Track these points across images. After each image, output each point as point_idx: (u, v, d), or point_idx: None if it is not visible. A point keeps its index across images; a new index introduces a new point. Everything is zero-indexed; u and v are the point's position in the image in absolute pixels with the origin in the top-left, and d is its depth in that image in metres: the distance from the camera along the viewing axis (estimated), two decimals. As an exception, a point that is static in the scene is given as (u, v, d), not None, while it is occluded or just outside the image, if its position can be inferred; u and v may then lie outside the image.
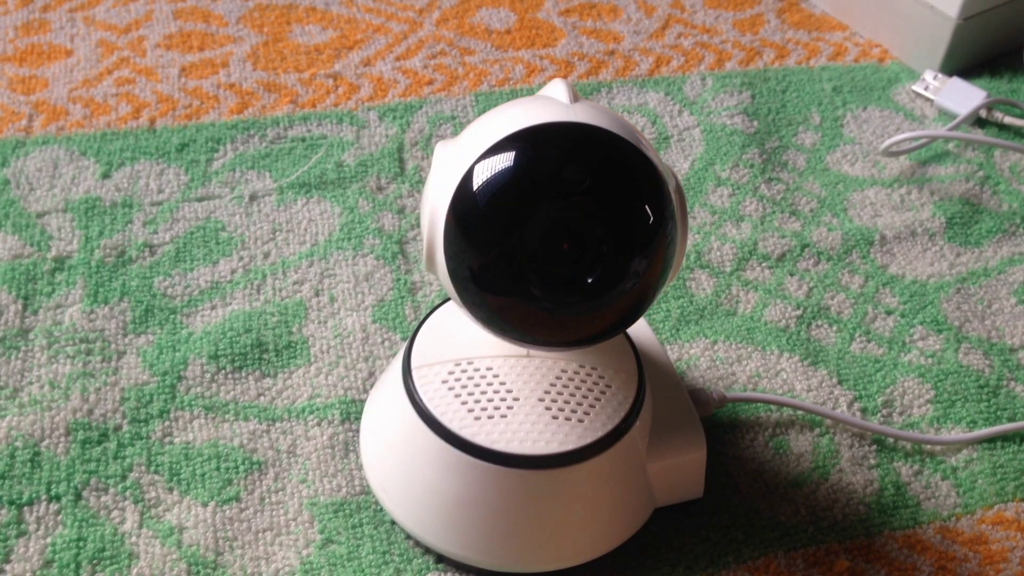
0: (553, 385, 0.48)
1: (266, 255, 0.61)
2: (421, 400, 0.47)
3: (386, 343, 0.57)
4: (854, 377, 0.58)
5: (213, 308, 0.58)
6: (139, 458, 0.52)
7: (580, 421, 0.47)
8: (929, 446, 0.55)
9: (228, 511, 0.50)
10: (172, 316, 0.58)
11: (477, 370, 0.48)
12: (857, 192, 0.68)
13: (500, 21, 0.79)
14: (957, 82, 0.74)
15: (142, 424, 0.53)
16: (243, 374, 0.55)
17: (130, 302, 0.58)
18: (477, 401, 0.47)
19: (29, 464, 0.51)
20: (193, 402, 0.54)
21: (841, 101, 0.75)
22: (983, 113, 0.74)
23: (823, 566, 0.50)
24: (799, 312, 0.61)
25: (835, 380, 0.58)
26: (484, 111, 0.46)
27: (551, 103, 0.43)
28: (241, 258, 0.61)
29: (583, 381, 0.48)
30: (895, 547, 0.51)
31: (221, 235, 0.62)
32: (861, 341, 0.60)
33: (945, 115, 0.74)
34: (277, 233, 0.62)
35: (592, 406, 0.47)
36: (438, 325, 0.50)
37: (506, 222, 0.41)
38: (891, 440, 0.55)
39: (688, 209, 0.65)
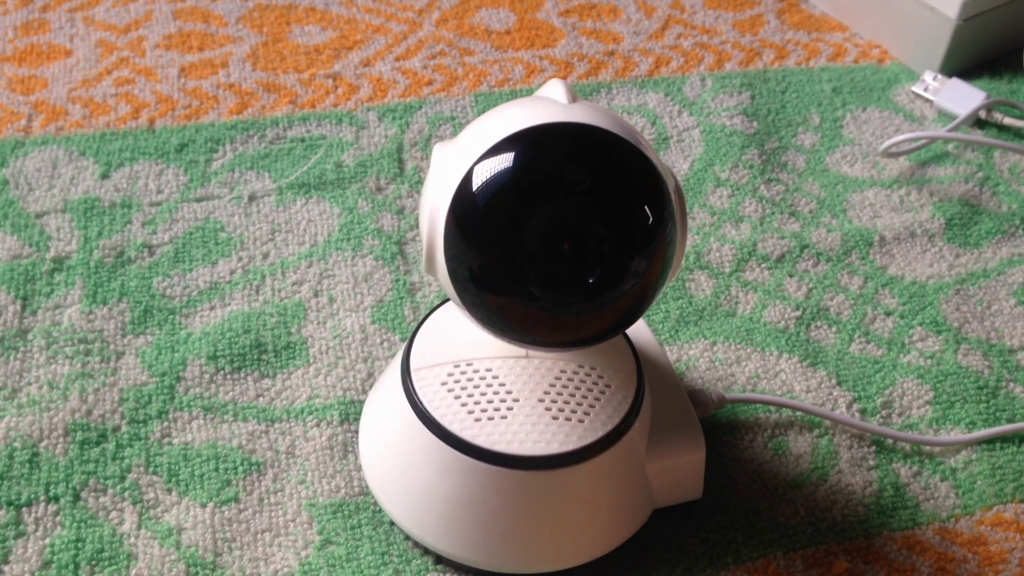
0: (552, 386, 0.48)
1: (265, 256, 0.61)
2: (421, 402, 0.47)
3: (385, 344, 0.57)
4: (853, 378, 0.58)
5: (212, 309, 0.58)
6: (138, 459, 0.52)
7: (580, 421, 0.47)
8: (928, 447, 0.55)
9: (227, 512, 0.50)
10: (171, 317, 0.58)
11: (476, 371, 0.48)
12: (856, 193, 0.68)
13: (500, 22, 0.79)
14: (957, 83, 0.74)
15: (141, 425, 0.53)
16: (242, 375, 0.55)
17: (129, 303, 0.58)
18: (477, 403, 0.47)
19: (28, 465, 0.51)
20: (192, 403, 0.54)
21: (841, 102, 0.75)
22: (983, 114, 0.74)
23: (822, 567, 0.50)
24: (798, 313, 0.61)
25: (834, 381, 0.58)
26: (484, 111, 0.46)
27: (550, 104, 0.43)
28: (240, 259, 0.61)
29: (582, 381, 0.48)
30: (894, 548, 0.51)
31: (220, 236, 0.62)
32: (860, 342, 0.60)
33: (945, 116, 0.74)
34: (276, 234, 0.62)
35: (592, 406, 0.47)
36: (436, 326, 0.50)
37: (507, 223, 0.41)
38: (890, 441, 0.55)
39: (687, 210, 0.65)
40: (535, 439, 0.46)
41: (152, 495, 0.50)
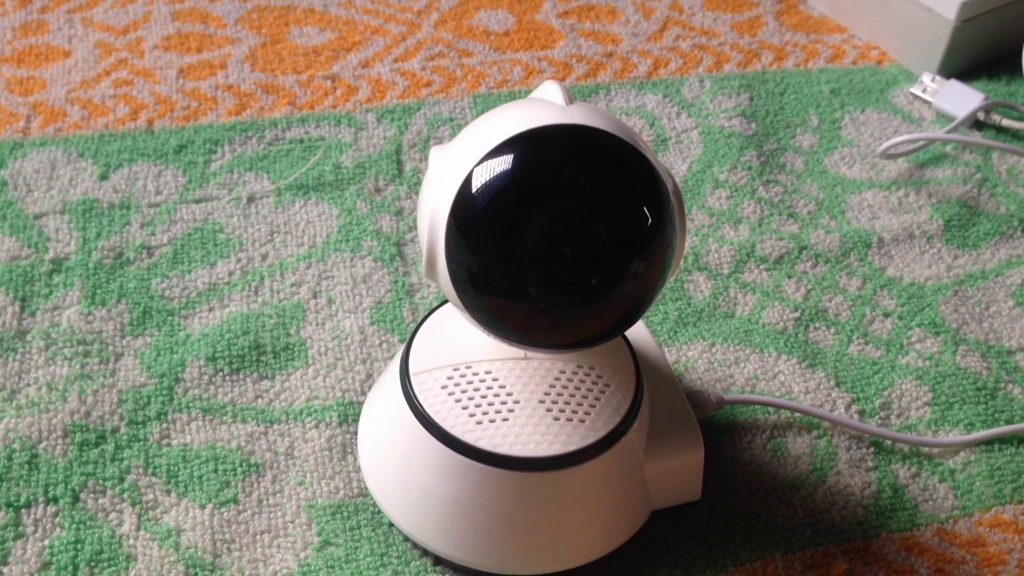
0: (552, 387, 0.48)
1: (264, 257, 0.61)
2: (421, 406, 0.47)
3: (384, 345, 0.57)
4: (852, 379, 0.58)
5: (211, 310, 0.58)
6: (137, 460, 0.52)
7: (582, 421, 0.47)
8: (927, 448, 0.55)
9: (226, 513, 0.50)
10: (170, 318, 0.58)
11: (476, 374, 0.48)
12: (855, 194, 0.68)
13: (498, 23, 0.79)
14: (955, 84, 0.74)
15: (140, 426, 0.53)
16: (241, 376, 0.55)
17: (128, 304, 0.58)
18: (478, 405, 0.47)
19: (27, 466, 0.51)
20: (191, 404, 0.54)
21: (839, 103, 0.75)
22: (981, 115, 0.74)
23: (821, 568, 0.50)
24: (797, 314, 0.61)
25: (833, 382, 0.58)
26: (482, 113, 0.46)
27: (548, 105, 0.43)
28: (239, 260, 0.61)
29: (582, 381, 0.48)
30: (893, 549, 0.51)
31: (219, 237, 0.62)
32: (859, 343, 0.60)
33: (943, 117, 0.74)
34: (275, 235, 0.62)
35: (593, 406, 0.47)
36: (434, 329, 0.50)
37: (508, 225, 0.41)
38: (889, 442, 0.55)
39: (686, 211, 0.65)
40: (537, 440, 0.46)
41: (151, 496, 0.50)
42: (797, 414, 0.56)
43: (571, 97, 0.44)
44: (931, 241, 0.66)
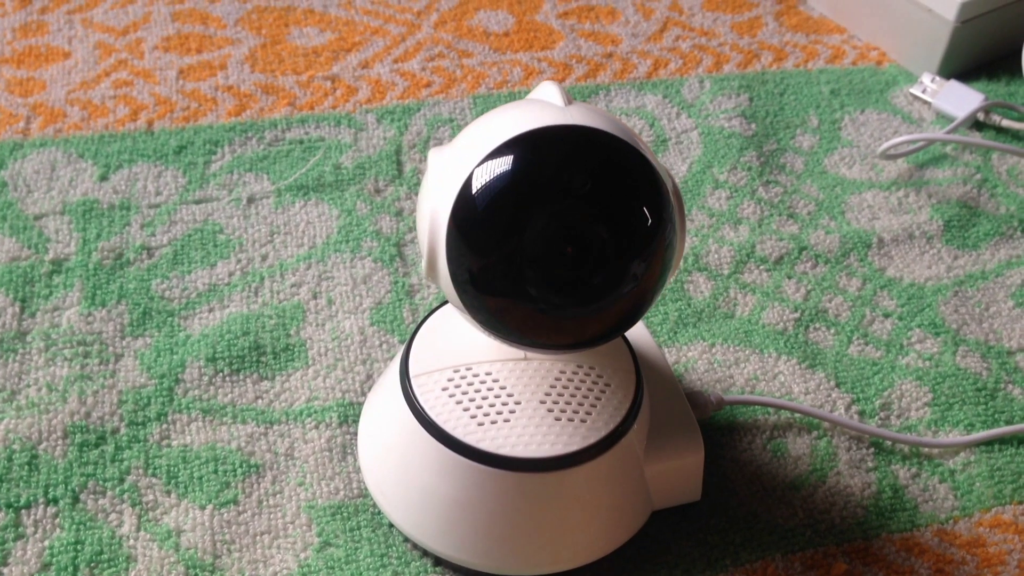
0: (553, 387, 0.48)
1: (264, 257, 0.61)
2: (422, 408, 0.47)
3: (384, 346, 0.57)
4: (852, 380, 0.58)
5: (211, 311, 0.58)
6: (137, 461, 0.52)
7: (583, 421, 0.47)
8: (927, 449, 0.55)
9: (226, 514, 0.50)
10: (170, 319, 0.58)
11: (476, 375, 0.48)
12: (855, 195, 0.68)
13: (498, 23, 0.79)
14: (955, 85, 0.74)
15: (140, 427, 0.53)
16: (241, 377, 0.55)
17: (128, 305, 0.58)
18: (479, 407, 0.47)
19: (27, 467, 0.51)
20: (191, 405, 0.54)
21: (839, 104, 0.75)
22: (981, 116, 0.74)
23: (821, 569, 0.50)
24: (797, 315, 0.61)
25: (833, 383, 0.58)
26: (482, 113, 0.46)
27: (547, 106, 0.43)
28: (239, 260, 0.61)
29: (582, 381, 0.48)
30: (893, 550, 0.51)
31: (219, 237, 0.62)
32: (859, 344, 0.60)
33: (943, 118, 0.74)
34: (275, 235, 0.62)
35: (593, 406, 0.47)
36: (433, 331, 0.50)
37: (509, 226, 0.41)
38: (889, 443, 0.55)
39: (686, 211, 0.65)
40: (539, 441, 0.46)
41: (151, 497, 0.50)
42: (797, 415, 0.56)
43: (570, 98, 0.44)
44: (931, 242, 0.66)
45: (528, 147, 0.42)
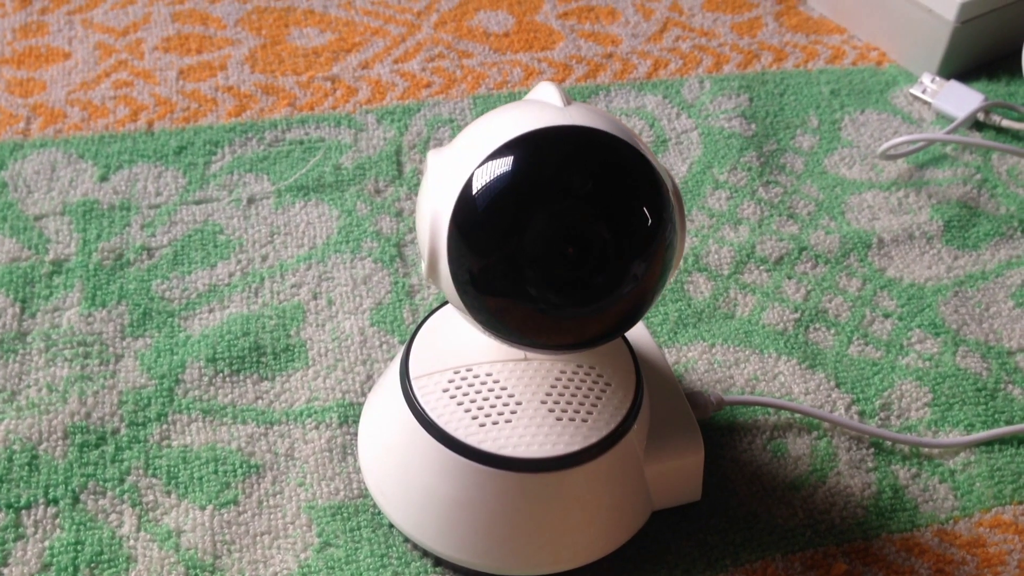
0: (554, 387, 0.48)
1: (264, 258, 0.61)
2: (424, 410, 0.47)
3: (384, 346, 0.57)
4: (852, 380, 0.58)
5: (211, 311, 0.58)
6: (137, 461, 0.52)
7: (584, 421, 0.47)
8: (927, 449, 0.55)
9: (226, 514, 0.50)
10: (170, 319, 0.58)
11: (477, 376, 0.48)
12: (855, 195, 0.68)
13: (498, 24, 0.79)
14: (955, 85, 0.74)
15: (140, 427, 0.53)
16: (241, 377, 0.55)
17: (128, 305, 0.58)
18: (480, 408, 0.47)
19: (27, 467, 0.51)
20: (191, 405, 0.54)
21: (839, 104, 0.75)
22: (981, 116, 0.74)
23: (821, 569, 0.50)
24: (797, 315, 0.61)
25: (833, 383, 0.58)
26: (482, 114, 0.46)
27: (546, 107, 0.43)
28: (239, 261, 0.61)
29: (583, 381, 0.48)
30: (893, 550, 0.51)
31: (219, 238, 0.62)
32: (859, 344, 0.60)
33: (943, 118, 0.74)
34: (275, 236, 0.62)
35: (594, 405, 0.47)
36: (433, 331, 0.50)
37: (510, 227, 0.41)
38: (889, 443, 0.55)
39: (686, 212, 0.65)
40: (541, 441, 0.46)
41: (151, 497, 0.50)
42: (797, 415, 0.56)
43: (569, 98, 0.44)
44: (931, 242, 0.66)
45: (529, 148, 0.42)
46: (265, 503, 0.51)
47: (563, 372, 0.48)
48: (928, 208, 0.68)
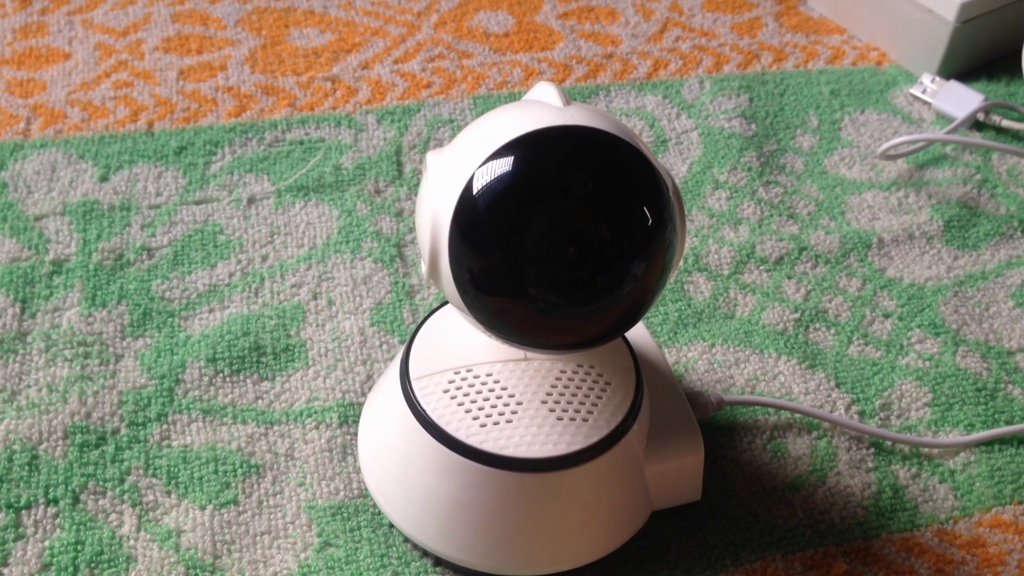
0: (554, 387, 0.48)
1: (264, 258, 0.61)
2: (425, 411, 0.47)
3: (384, 346, 0.57)
4: (852, 380, 0.58)
5: (211, 311, 0.58)
6: (137, 461, 0.52)
7: (585, 420, 0.47)
8: (927, 449, 0.55)
9: (226, 514, 0.50)
10: (170, 319, 0.58)
11: (477, 377, 0.48)
12: (855, 195, 0.69)
13: (498, 24, 0.79)
14: (955, 85, 0.74)
15: (140, 427, 0.53)
16: (241, 377, 0.55)
17: (128, 305, 0.58)
18: (481, 408, 0.47)
19: (27, 467, 0.51)
20: (191, 405, 0.54)
21: (839, 104, 0.75)
22: (981, 116, 0.74)
23: (821, 569, 0.50)
24: (797, 315, 0.61)
25: (833, 383, 0.58)
26: (482, 114, 0.46)
27: (546, 107, 0.43)
28: (239, 261, 0.61)
29: (583, 380, 0.48)
30: (893, 550, 0.51)
31: (219, 238, 0.62)
32: (859, 344, 0.60)
33: (943, 118, 0.74)
34: (275, 236, 0.62)
35: (595, 404, 0.47)
36: (433, 332, 0.50)
37: (512, 227, 0.41)
38: (889, 443, 0.55)
39: (686, 212, 0.65)
40: (542, 441, 0.46)
41: (151, 497, 0.50)
42: (797, 415, 0.56)
43: (568, 98, 0.44)
44: (931, 242, 0.66)
45: (530, 148, 0.42)
46: (265, 503, 0.51)
47: (563, 372, 0.48)
48: (928, 208, 0.68)
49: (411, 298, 0.60)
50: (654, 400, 0.51)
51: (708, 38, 0.80)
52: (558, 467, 0.46)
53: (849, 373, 0.58)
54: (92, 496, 0.50)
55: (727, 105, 0.74)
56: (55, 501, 0.50)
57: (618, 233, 0.42)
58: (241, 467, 0.52)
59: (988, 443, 0.56)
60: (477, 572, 0.48)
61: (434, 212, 0.43)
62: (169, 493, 0.51)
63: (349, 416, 0.54)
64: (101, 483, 0.51)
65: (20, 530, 0.49)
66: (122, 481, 0.51)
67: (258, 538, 0.49)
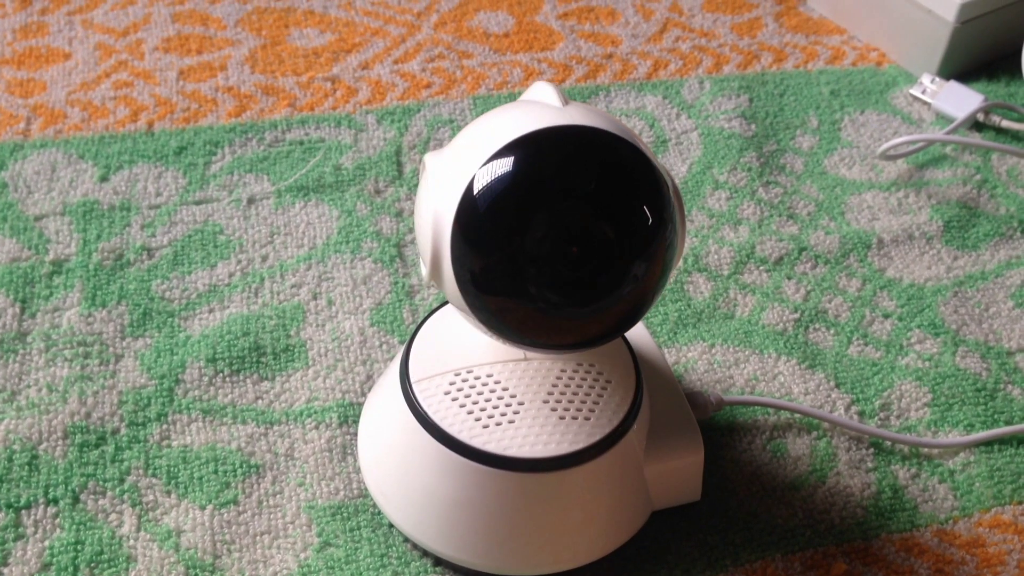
0: (555, 386, 0.48)
1: (264, 258, 0.61)
2: (426, 413, 0.47)
3: (384, 346, 0.57)
4: (851, 380, 0.58)
5: (211, 311, 0.58)
6: (137, 461, 0.52)
7: (587, 419, 0.47)
8: (926, 449, 0.55)
9: (226, 514, 0.50)
10: (170, 319, 0.58)
11: (478, 378, 0.48)
12: (854, 195, 0.69)
13: (498, 24, 0.79)
14: (954, 86, 0.75)
15: (140, 427, 0.53)
16: (241, 377, 0.55)
17: (128, 305, 0.58)
18: (483, 409, 0.47)
19: (27, 467, 0.51)
20: (191, 405, 0.54)
21: (839, 105, 0.75)
22: (980, 117, 0.74)
23: (820, 569, 0.50)
24: (797, 315, 0.61)
25: (832, 383, 0.58)
26: (482, 114, 0.46)
27: (546, 107, 0.43)
28: (239, 261, 0.61)
29: (583, 379, 0.48)
30: (892, 550, 0.51)
31: (219, 238, 0.62)
32: (859, 344, 0.60)
33: (942, 119, 0.74)
34: (275, 236, 0.62)
35: (596, 403, 0.47)
36: (433, 333, 0.50)
37: (513, 228, 0.41)
38: (888, 443, 0.55)
39: (686, 212, 0.65)
40: (544, 441, 0.46)
41: (151, 497, 0.50)
42: (797, 415, 0.56)
43: (566, 98, 0.44)
44: (931, 242, 0.66)
45: (530, 148, 0.42)
46: (265, 503, 0.51)
47: (563, 371, 0.48)
48: (928, 208, 0.68)
49: (411, 298, 0.60)
50: (654, 400, 0.51)
51: (708, 38, 0.80)
52: (562, 466, 0.46)
53: (849, 373, 0.58)
54: (92, 496, 0.50)
55: (727, 105, 0.74)
56: (55, 501, 0.50)
57: (619, 233, 0.42)
58: (241, 467, 0.52)
59: (988, 443, 0.56)
60: (477, 572, 0.48)
61: (435, 213, 0.43)
62: (169, 493, 0.51)
63: (349, 416, 0.54)
64: (101, 483, 0.51)
65: (20, 530, 0.49)
66: (122, 481, 0.51)
67: (258, 538, 0.49)
